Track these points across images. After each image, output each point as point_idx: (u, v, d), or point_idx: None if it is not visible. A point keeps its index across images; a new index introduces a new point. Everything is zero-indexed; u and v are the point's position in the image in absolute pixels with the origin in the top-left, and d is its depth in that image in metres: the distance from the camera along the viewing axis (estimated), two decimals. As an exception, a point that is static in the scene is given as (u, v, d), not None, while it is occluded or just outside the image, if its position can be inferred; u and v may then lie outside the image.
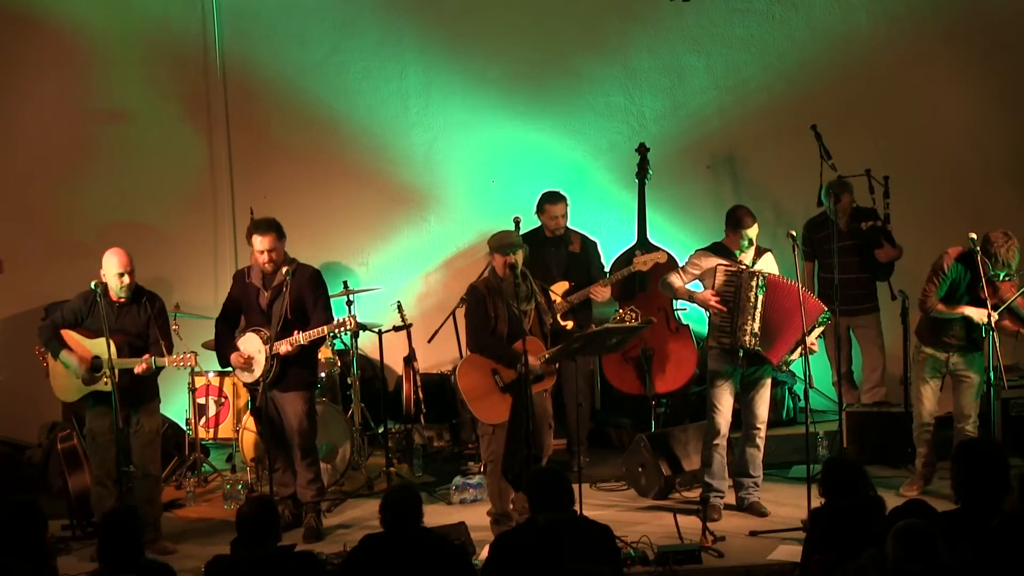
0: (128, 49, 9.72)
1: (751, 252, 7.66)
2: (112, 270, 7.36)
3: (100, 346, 7.34)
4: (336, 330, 7.54)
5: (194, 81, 9.83)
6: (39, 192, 9.70)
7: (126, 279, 7.36)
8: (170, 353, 7.43)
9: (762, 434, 7.72)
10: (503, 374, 7.23)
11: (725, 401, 7.67)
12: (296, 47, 9.92)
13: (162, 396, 7.67)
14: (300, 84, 9.89)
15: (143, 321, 7.43)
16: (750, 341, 7.51)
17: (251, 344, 7.58)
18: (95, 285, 7.27)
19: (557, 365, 7.48)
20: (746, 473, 7.77)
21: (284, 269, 7.53)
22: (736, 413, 7.79)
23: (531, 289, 7.34)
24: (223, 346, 7.71)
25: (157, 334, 7.47)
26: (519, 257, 7.26)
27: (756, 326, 7.50)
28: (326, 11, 9.93)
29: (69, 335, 7.48)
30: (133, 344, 7.39)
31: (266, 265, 7.56)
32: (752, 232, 7.57)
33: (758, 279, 7.53)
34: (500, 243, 7.35)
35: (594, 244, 9.09)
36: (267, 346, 7.46)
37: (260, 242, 7.53)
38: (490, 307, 7.30)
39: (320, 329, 7.47)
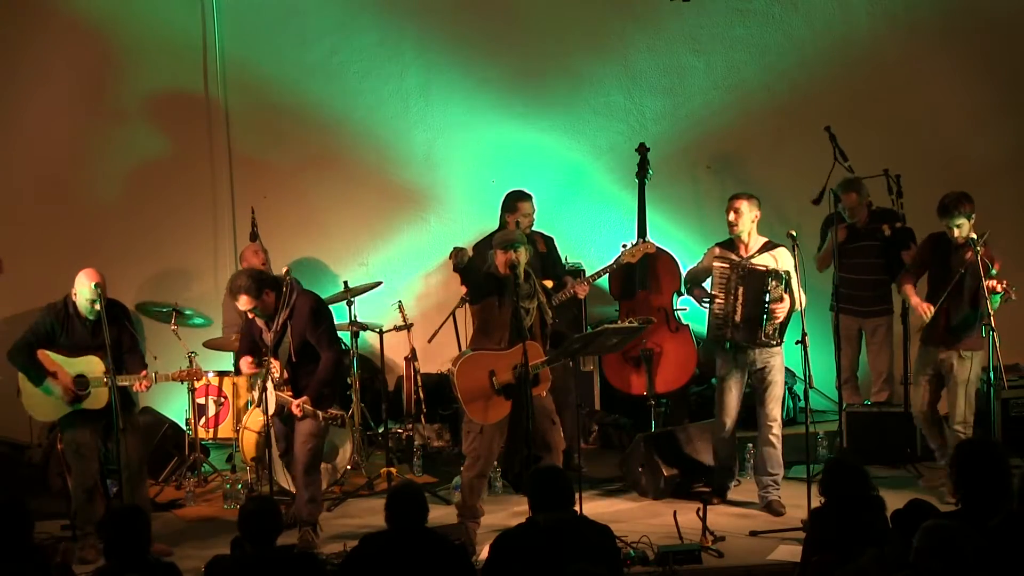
0: (128, 49, 9.71)
1: (755, 243, 7.75)
2: (85, 294, 7.23)
3: (80, 364, 7.29)
4: (331, 421, 7.36)
5: (194, 81, 9.83)
6: (39, 192, 9.68)
7: (97, 305, 7.19)
8: (143, 359, 7.44)
9: (776, 431, 7.80)
10: (499, 376, 7.23)
11: (730, 400, 7.82)
12: (296, 47, 9.91)
13: (162, 396, 7.64)
14: (300, 84, 9.88)
15: (115, 333, 7.26)
16: (731, 333, 7.73)
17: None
18: (98, 297, 7.16)
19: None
20: (764, 471, 7.85)
21: (283, 314, 7.34)
22: (752, 410, 7.92)
23: (534, 288, 7.34)
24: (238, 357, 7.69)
25: (131, 340, 7.39)
26: (521, 254, 7.25)
27: (738, 318, 7.70)
28: (326, 11, 9.93)
29: (47, 356, 7.34)
30: (115, 361, 7.20)
31: (255, 319, 7.46)
32: (740, 211, 7.73)
33: (738, 271, 7.70)
34: (503, 239, 7.34)
35: (553, 240, 9.03)
36: (277, 391, 7.36)
37: (239, 304, 7.41)
38: (493, 290, 7.28)
39: (318, 413, 7.28)
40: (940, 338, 7.85)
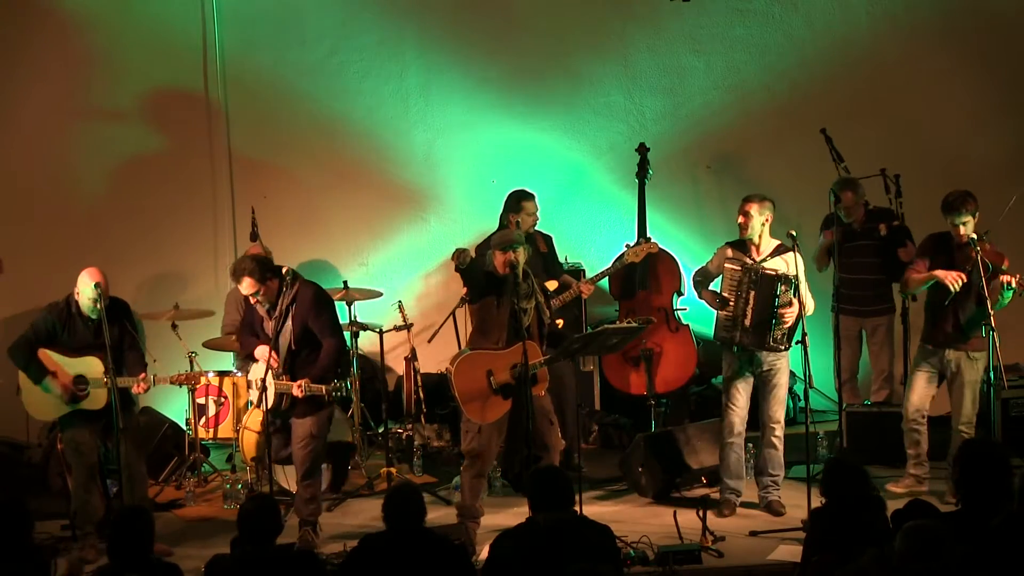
0: (128, 49, 9.71)
1: (767, 246, 7.71)
2: (87, 293, 7.22)
3: (80, 365, 7.29)
4: (333, 393, 7.36)
5: (194, 81, 9.82)
6: (38, 192, 9.69)
7: (99, 304, 7.17)
8: (143, 357, 7.43)
9: (778, 433, 7.78)
10: (497, 376, 7.22)
11: (738, 399, 7.77)
12: (296, 47, 9.91)
13: (162, 396, 7.62)
14: (300, 84, 9.88)
15: (117, 334, 7.27)
16: (740, 337, 7.65)
17: (262, 373, 7.43)
18: (98, 299, 7.14)
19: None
20: (765, 472, 7.84)
21: (286, 299, 7.34)
22: (754, 411, 7.89)
23: (532, 288, 7.33)
24: (247, 346, 7.62)
25: (132, 339, 7.38)
26: (520, 255, 7.24)
27: (747, 321, 7.62)
28: (326, 11, 9.92)
29: (47, 356, 7.34)
30: (114, 360, 7.21)
31: (258, 306, 7.44)
32: (750, 214, 7.65)
33: (750, 275, 7.63)
34: (501, 240, 7.34)
35: (552, 239, 9.02)
36: (276, 380, 7.34)
37: (242, 288, 7.38)
38: (492, 290, 7.27)
39: (320, 387, 7.28)
40: (946, 339, 7.81)
